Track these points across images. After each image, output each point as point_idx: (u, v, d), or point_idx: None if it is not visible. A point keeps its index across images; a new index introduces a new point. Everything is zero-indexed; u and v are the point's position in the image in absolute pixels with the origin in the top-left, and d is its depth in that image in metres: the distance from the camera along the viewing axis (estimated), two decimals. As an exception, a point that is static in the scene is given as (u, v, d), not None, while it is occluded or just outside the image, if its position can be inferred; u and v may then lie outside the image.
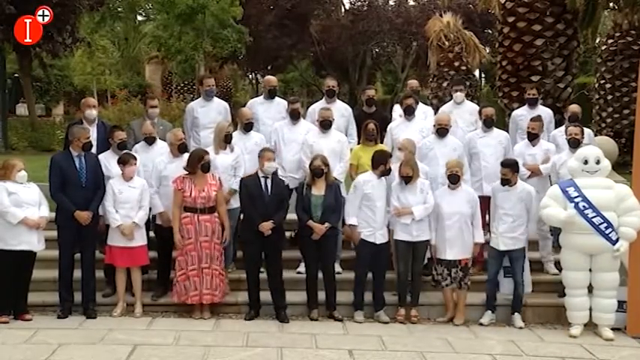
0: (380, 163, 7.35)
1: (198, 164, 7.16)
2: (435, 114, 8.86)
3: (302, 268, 7.76)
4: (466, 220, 7.35)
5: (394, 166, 7.57)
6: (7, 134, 20.90)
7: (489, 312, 7.49)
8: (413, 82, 9.94)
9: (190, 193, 7.14)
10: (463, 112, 8.94)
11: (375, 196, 7.32)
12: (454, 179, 7.39)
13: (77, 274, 7.30)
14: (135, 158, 7.36)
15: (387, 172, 7.37)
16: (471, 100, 11.36)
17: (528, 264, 7.55)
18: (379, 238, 7.32)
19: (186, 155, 7.41)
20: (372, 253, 7.34)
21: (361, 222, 7.33)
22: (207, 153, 7.33)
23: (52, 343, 6.26)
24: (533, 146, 8.31)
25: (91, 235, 7.31)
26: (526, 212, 7.38)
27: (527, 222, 7.38)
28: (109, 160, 7.54)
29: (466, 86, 12.85)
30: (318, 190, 7.32)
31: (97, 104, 8.52)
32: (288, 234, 7.93)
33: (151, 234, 7.72)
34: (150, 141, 7.89)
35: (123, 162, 7.28)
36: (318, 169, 7.29)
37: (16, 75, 27.16)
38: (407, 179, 7.30)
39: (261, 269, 7.47)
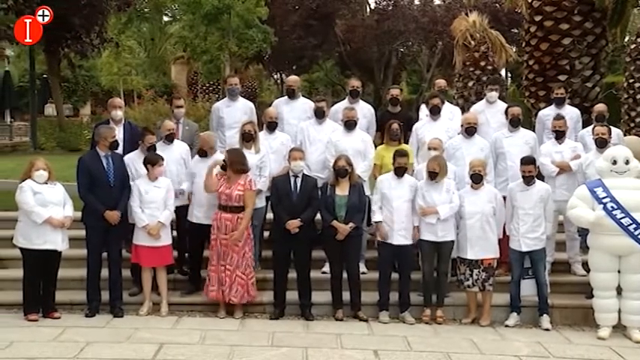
0: (395, 159, 7.37)
1: (234, 166, 7.24)
2: (462, 114, 8.81)
3: (327, 268, 7.77)
4: (488, 219, 7.32)
5: (421, 166, 7.55)
6: (36, 134, 21.15)
7: (514, 314, 7.46)
8: (440, 82, 9.81)
9: (219, 188, 7.23)
10: (495, 112, 8.79)
11: (392, 196, 7.31)
12: (477, 179, 7.37)
13: (104, 272, 7.34)
14: (162, 159, 7.40)
15: (402, 169, 7.33)
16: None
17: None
18: (398, 239, 7.28)
19: (217, 155, 7.56)
20: (393, 253, 7.33)
21: (380, 222, 7.34)
22: (245, 159, 7.33)
23: (79, 341, 6.31)
24: (560, 144, 8.24)
25: (119, 235, 7.37)
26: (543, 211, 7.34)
27: (544, 221, 7.35)
28: (135, 162, 7.60)
29: (502, 86, 12.61)
30: (342, 190, 7.33)
31: (123, 105, 8.57)
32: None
33: (174, 233, 7.78)
34: (170, 138, 7.86)
35: (151, 162, 7.33)
36: (342, 169, 7.30)
37: (44, 75, 27.46)
38: (432, 175, 7.24)
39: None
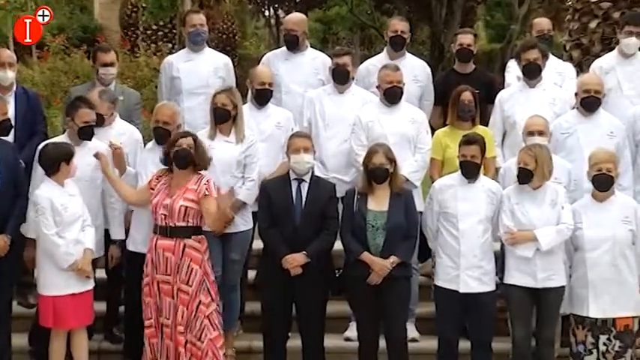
0: (463, 149, 7.34)
1: (180, 159, 7.23)
2: (579, 75, 8.72)
3: (352, 331, 7.79)
4: (623, 251, 7.27)
5: (510, 162, 7.59)
6: None
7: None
8: (542, 22, 9.73)
9: (155, 197, 7.27)
10: (635, 70, 8.64)
11: (457, 211, 7.28)
12: (603, 183, 7.25)
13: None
14: (74, 150, 7.41)
15: (474, 167, 7.30)
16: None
17: None
18: (468, 283, 7.23)
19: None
20: (460, 307, 7.29)
21: (439, 256, 7.39)
22: (188, 136, 7.34)
23: None
24: None
25: (7, 277, 7.39)
26: None
27: None
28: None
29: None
30: (379, 202, 7.25)
31: (14, 60, 8.49)
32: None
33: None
34: (99, 120, 7.79)
35: (70, 157, 7.30)
36: (380, 169, 7.18)
37: None
38: (525, 175, 7.18)
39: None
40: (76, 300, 7.26)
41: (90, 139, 7.61)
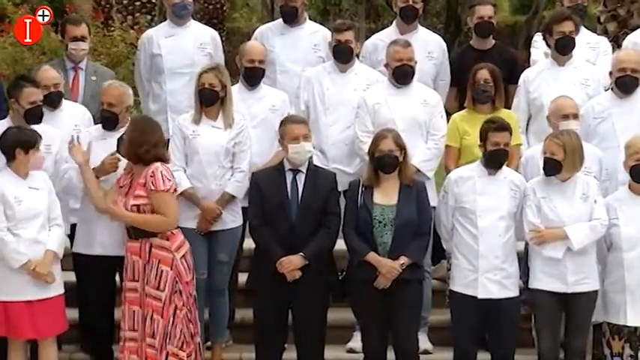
0: (481, 139, 7.14)
1: (131, 150, 7.02)
2: (615, 51, 8.62)
3: (356, 341, 7.61)
4: None
5: (534, 149, 7.45)
6: None
7: None
8: None
9: (119, 196, 7.17)
10: None
11: (476, 207, 7.06)
12: None
13: None
14: (39, 137, 7.12)
15: (501, 155, 7.07)
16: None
17: None
18: (487, 287, 7.01)
19: None
20: (479, 315, 7.06)
21: (455, 257, 7.20)
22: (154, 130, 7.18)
23: None
24: None
25: None
26: None
27: None
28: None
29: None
30: (387, 195, 7.04)
31: None
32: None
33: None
34: (55, 100, 7.72)
35: (24, 145, 7.00)
36: (388, 156, 6.96)
37: None
38: (552, 166, 6.92)
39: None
40: (35, 307, 6.99)
41: (38, 123, 7.41)
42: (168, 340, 6.94)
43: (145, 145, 6.90)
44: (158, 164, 6.97)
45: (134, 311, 6.99)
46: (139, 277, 6.97)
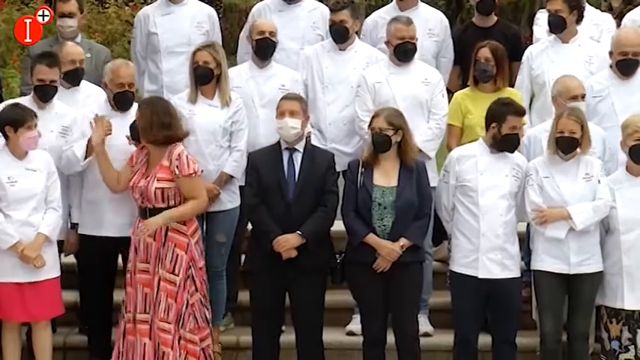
0: (493, 120, 7.07)
1: (148, 132, 6.99)
2: (618, 27, 8.66)
3: (356, 324, 7.61)
4: None
5: (538, 129, 7.44)
6: None
7: None
8: None
9: (132, 177, 7.12)
10: None
11: (478, 186, 7.05)
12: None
13: None
14: (35, 116, 7.06)
15: (512, 141, 7.07)
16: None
17: None
18: (488, 267, 7.00)
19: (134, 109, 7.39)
20: (480, 296, 7.06)
21: (456, 237, 7.21)
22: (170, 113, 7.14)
23: None
24: None
25: None
26: None
27: None
28: None
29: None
30: (387, 176, 7.03)
31: None
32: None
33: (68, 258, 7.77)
34: (79, 76, 7.70)
35: (14, 123, 6.99)
36: (378, 136, 6.97)
37: None
38: (571, 144, 6.93)
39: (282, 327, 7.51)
40: (26, 290, 7.02)
41: (48, 101, 7.40)
42: (181, 324, 6.98)
43: (155, 127, 6.90)
44: (180, 146, 7.00)
45: (146, 293, 7.01)
46: (151, 259, 6.99)
